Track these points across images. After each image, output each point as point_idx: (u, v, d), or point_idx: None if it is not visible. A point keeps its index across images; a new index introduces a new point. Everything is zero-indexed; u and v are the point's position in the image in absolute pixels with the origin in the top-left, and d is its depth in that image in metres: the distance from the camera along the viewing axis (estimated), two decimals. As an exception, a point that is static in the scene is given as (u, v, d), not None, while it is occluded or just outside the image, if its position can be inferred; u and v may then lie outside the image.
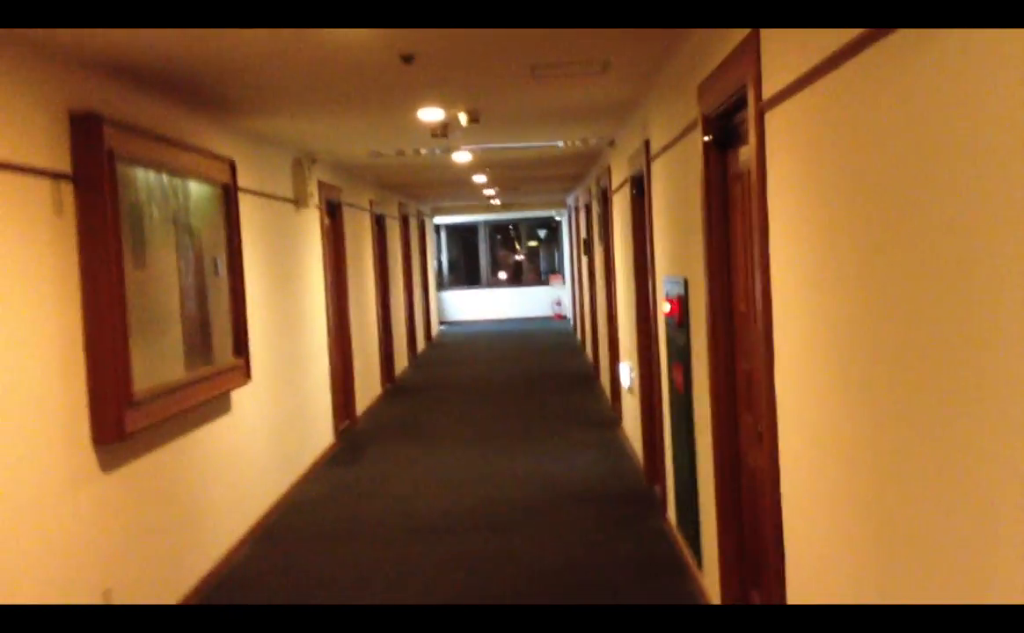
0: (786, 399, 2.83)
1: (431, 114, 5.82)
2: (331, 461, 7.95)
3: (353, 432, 9.06)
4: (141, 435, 4.18)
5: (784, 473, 2.88)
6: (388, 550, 5.52)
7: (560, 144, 8.28)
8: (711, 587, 4.19)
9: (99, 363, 3.83)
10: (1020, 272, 1.41)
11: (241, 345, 5.60)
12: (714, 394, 3.80)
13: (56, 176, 3.66)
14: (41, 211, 3.56)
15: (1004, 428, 1.48)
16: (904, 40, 1.81)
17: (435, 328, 18.77)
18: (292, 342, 7.19)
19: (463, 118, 5.82)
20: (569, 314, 19.81)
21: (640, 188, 6.10)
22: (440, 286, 21.51)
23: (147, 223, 4.35)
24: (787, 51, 2.62)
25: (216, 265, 5.32)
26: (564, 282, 21.18)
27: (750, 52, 2.93)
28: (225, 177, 5.48)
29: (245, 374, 5.62)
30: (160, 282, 4.49)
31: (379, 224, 11.88)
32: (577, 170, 11.17)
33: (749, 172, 3.15)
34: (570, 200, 16.08)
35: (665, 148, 4.91)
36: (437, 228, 21.64)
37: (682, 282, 4.47)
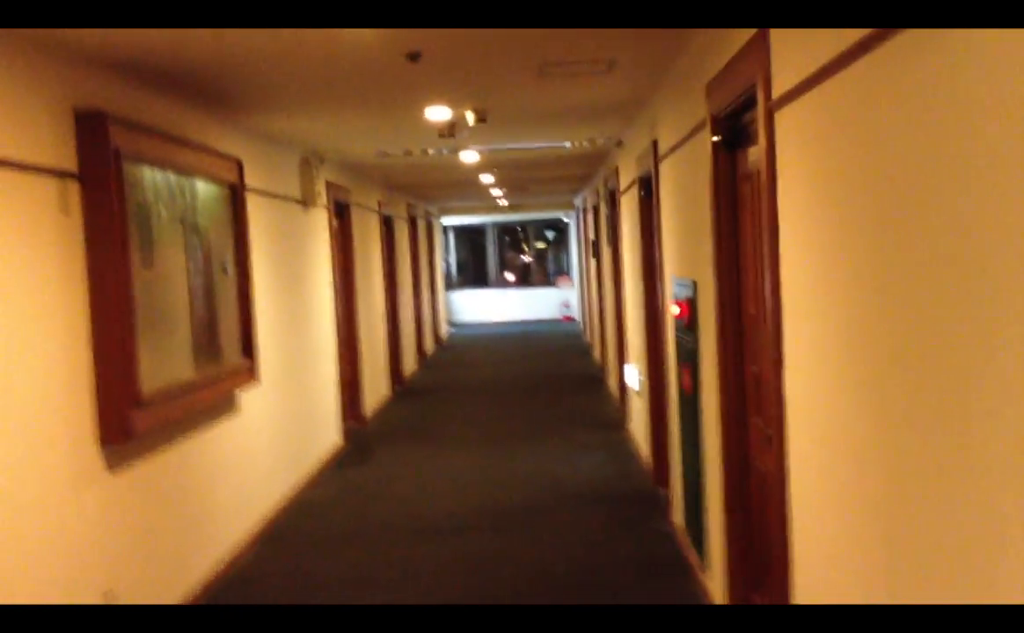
0: (795, 400, 2.81)
1: (438, 113, 5.81)
2: (338, 462, 7.94)
3: (361, 433, 9.05)
4: (147, 436, 4.17)
5: (792, 474, 2.86)
6: (394, 551, 5.51)
7: (567, 144, 8.25)
8: (715, 589, 4.17)
9: (106, 363, 3.82)
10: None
11: (249, 346, 5.58)
12: (723, 396, 3.77)
13: (62, 175, 3.65)
14: (47, 210, 3.55)
15: (1015, 429, 1.47)
16: (915, 38, 1.80)
17: (443, 330, 18.76)
18: (300, 343, 7.18)
19: (470, 117, 5.81)
20: (577, 316, 19.78)
21: (648, 189, 6.07)
22: (448, 287, 21.50)
23: (154, 222, 4.34)
24: (797, 49, 2.59)
25: (224, 265, 5.31)
26: (572, 284, 21.15)
27: (759, 51, 2.91)
28: (233, 176, 5.47)
29: (252, 375, 5.61)
30: (167, 282, 4.48)
31: (387, 225, 11.87)
32: (585, 171, 11.15)
33: (758, 172, 3.13)
34: (578, 201, 16.06)
35: (673, 148, 4.88)
36: (445, 229, 21.64)
37: (691, 284, 4.45)
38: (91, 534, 3.76)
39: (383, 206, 11.41)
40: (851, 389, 2.28)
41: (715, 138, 3.66)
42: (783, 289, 2.88)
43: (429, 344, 15.93)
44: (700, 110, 3.97)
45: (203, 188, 5.02)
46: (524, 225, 23.08)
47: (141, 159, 4.19)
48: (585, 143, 8.14)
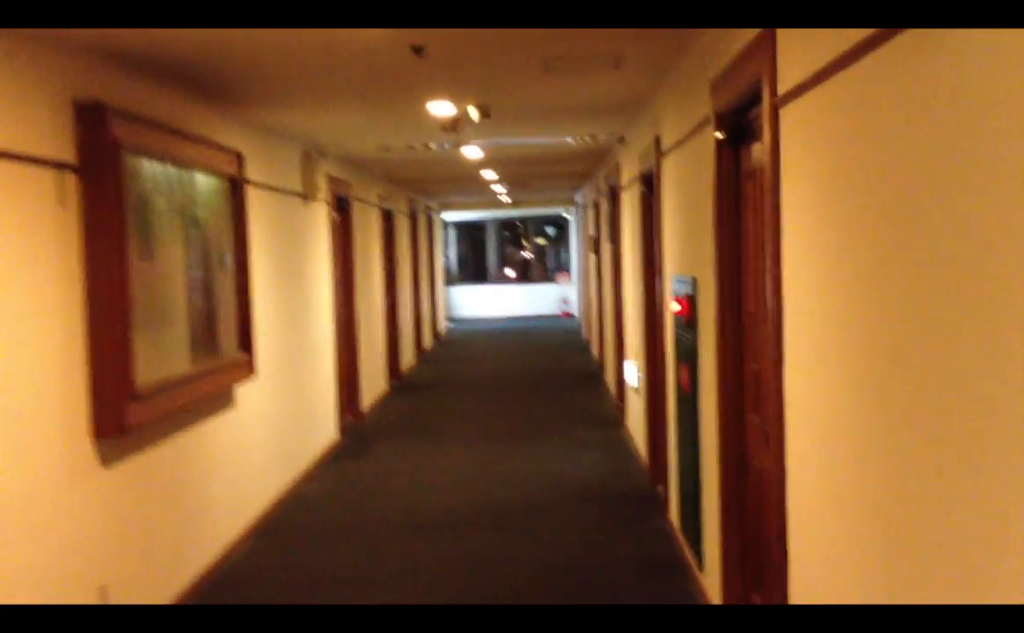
0: (795, 400, 2.79)
1: (441, 108, 5.78)
2: (335, 457, 7.92)
3: (358, 428, 9.03)
4: (143, 429, 4.15)
5: (791, 474, 2.84)
6: (390, 547, 5.49)
7: (570, 140, 8.23)
8: (712, 588, 4.15)
9: (101, 356, 3.80)
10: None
11: (246, 339, 5.56)
12: (721, 394, 3.75)
13: (60, 166, 3.63)
14: (44, 201, 3.52)
15: (1016, 429, 1.46)
16: (922, 36, 1.79)
17: (442, 325, 18.74)
18: (298, 337, 7.16)
19: (474, 112, 5.78)
20: (576, 312, 19.77)
21: (650, 185, 6.05)
22: (448, 282, 21.49)
23: (153, 215, 4.32)
24: (803, 46, 2.57)
25: (223, 258, 5.29)
26: (572, 280, 21.14)
27: (766, 47, 2.89)
28: (233, 169, 5.44)
29: (249, 369, 5.59)
30: (166, 275, 4.46)
31: (388, 219, 11.84)
32: (587, 167, 11.12)
33: (762, 169, 3.11)
34: (579, 197, 16.04)
35: (676, 144, 4.86)
36: (446, 224, 21.61)
37: (691, 281, 4.43)
38: (85, 528, 3.74)
39: (384, 201, 11.38)
40: (851, 388, 2.27)
41: (719, 134, 3.64)
42: (785, 287, 2.86)
43: (428, 339, 15.92)
44: (704, 107, 3.95)
45: (203, 181, 4.99)
46: (525, 221, 23.07)
47: (141, 151, 4.17)
48: (588, 139, 8.12)
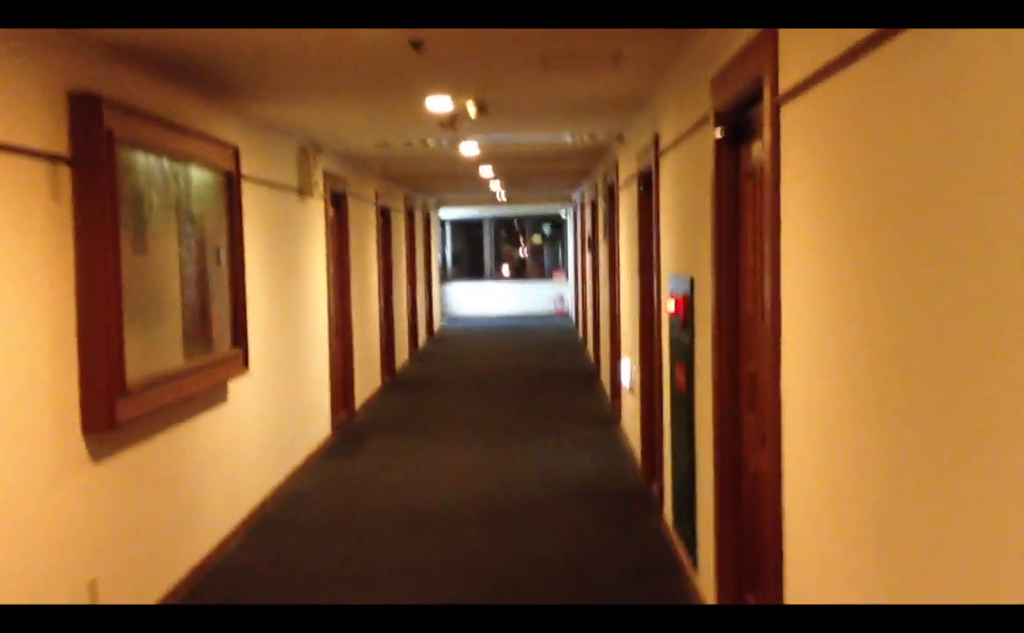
0: (792, 400, 2.77)
1: (439, 103, 5.75)
2: (328, 453, 7.90)
3: (351, 425, 9.01)
4: (134, 424, 4.12)
5: (787, 474, 2.83)
6: (382, 543, 5.47)
7: (568, 138, 8.21)
8: (706, 588, 4.14)
9: (92, 350, 3.76)
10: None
11: (240, 335, 5.53)
12: (717, 394, 3.73)
13: (53, 158, 3.59)
14: (37, 194, 3.49)
15: (1015, 429, 1.46)
16: (924, 35, 1.78)
17: (437, 323, 18.72)
18: (292, 333, 7.13)
19: (471, 108, 5.75)
20: (571, 310, 19.76)
21: (648, 184, 6.03)
22: (443, 279, 21.46)
23: (147, 209, 4.29)
24: (805, 43, 2.55)
25: (218, 253, 5.26)
26: (567, 278, 21.12)
27: (767, 44, 2.86)
28: (228, 164, 5.41)
29: (243, 364, 5.56)
30: (159, 269, 4.43)
31: (384, 216, 11.81)
32: (584, 165, 11.10)
33: (762, 168, 3.09)
34: (576, 196, 16.02)
35: (675, 143, 4.84)
36: (442, 222, 21.58)
37: (688, 280, 4.41)
38: (75, 523, 3.71)
39: (380, 197, 11.35)
40: (850, 389, 2.26)
41: (719, 133, 3.62)
42: (783, 287, 2.84)
43: (423, 337, 15.89)
44: (704, 105, 3.93)
45: (198, 175, 4.96)
46: (521, 219, 23.05)
47: (135, 144, 4.14)
48: (586, 137, 8.10)
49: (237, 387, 5.66)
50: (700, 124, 4.06)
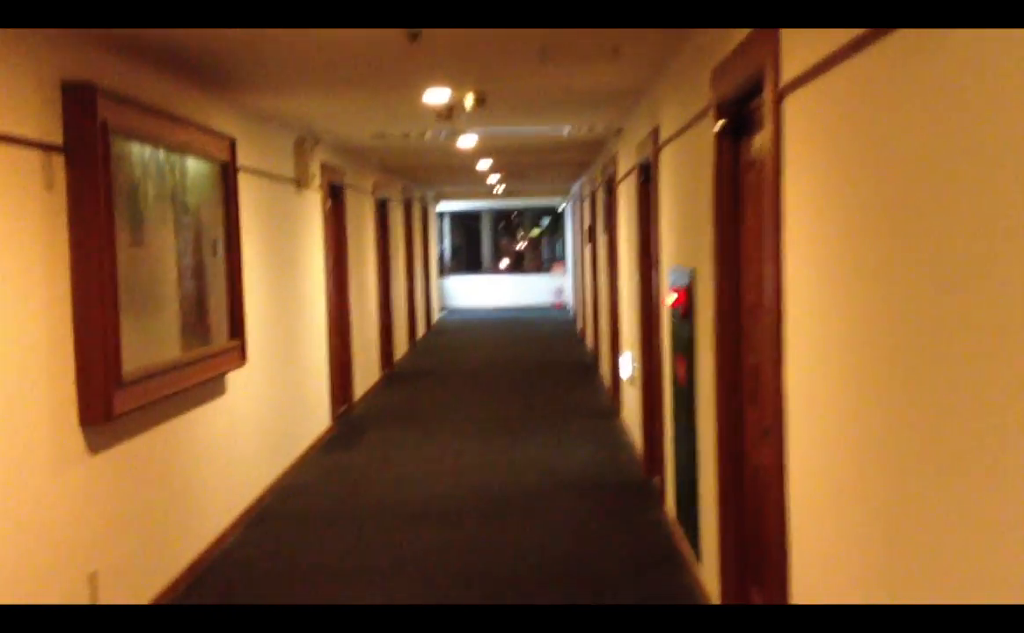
0: (795, 395, 2.75)
1: (437, 95, 5.71)
2: (327, 446, 7.87)
3: (350, 417, 8.98)
4: (131, 416, 4.09)
5: (791, 470, 2.80)
6: (381, 535, 5.45)
7: (567, 130, 8.17)
8: (709, 581, 4.12)
9: (88, 342, 3.73)
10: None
11: (237, 327, 5.50)
12: (719, 388, 3.71)
13: (47, 148, 3.56)
14: (30, 184, 3.45)
15: (1017, 431, 1.45)
16: (921, 33, 1.76)
17: (435, 315, 18.69)
18: (290, 325, 7.10)
19: (470, 100, 5.72)
20: (570, 303, 19.74)
21: (647, 176, 6.00)
22: (442, 272, 21.44)
23: (143, 200, 4.26)
24: (807, 34, 2.52)
25: (215, 245, 5.22)
26: (566, 271, 21.10)
27: (769, 35, 2.83)
28: (225, 155, 5.38)
29: (240, 356, 5.53)
30: (155, 260, 4.40)
31: (382, 208, 11.77)
32: (583, 158, 11.07)
33: (763, 160, 3.06)
34: (575, 188, 15.99)
35: (675, 135, 4.81)
36: (440, 215, 21.54)
37: (689, 273, 4.38)
38: (73, 515, 3.68)
39: (378, 189, 11.31)
40: (852, 385, 2.24)
41: (719, 125, 3.58)
42: (785, 280, 2.82)
43: (421, 329, 15.87)
44: (704, 97, 3.90)
45: (194, 166, 4.93)
46: (520, 212, 23.02)
47: (130, 134, 4.10)
48: (585, 130, 8.06)
49: (235, 379, 5.63)
50: (701, 116, 4.03)
